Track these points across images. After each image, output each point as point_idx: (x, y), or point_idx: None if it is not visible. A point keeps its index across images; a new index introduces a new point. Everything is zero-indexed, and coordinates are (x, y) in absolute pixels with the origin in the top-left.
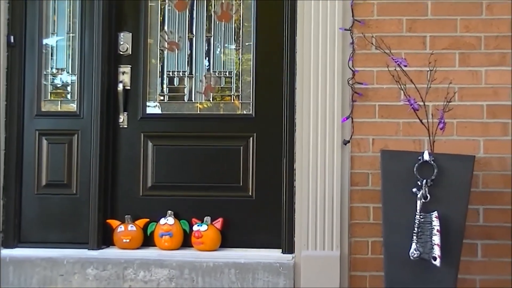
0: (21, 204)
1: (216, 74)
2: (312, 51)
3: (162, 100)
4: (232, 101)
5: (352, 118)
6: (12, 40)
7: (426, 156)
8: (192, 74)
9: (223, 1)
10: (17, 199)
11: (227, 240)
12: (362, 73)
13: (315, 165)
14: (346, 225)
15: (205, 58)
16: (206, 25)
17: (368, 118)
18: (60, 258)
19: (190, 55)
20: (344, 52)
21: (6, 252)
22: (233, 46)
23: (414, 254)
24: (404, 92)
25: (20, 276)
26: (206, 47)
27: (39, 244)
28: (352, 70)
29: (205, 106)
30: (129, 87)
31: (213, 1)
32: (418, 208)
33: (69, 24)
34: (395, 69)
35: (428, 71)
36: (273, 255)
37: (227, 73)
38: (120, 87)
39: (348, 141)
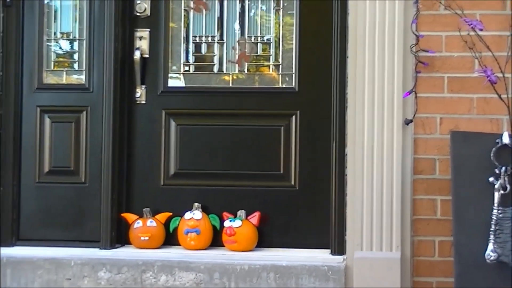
0: (19, 194)
1: (252, 39)
2: (367, 12)
3: (187, 70)
4: (271, 72)
5: (415, 93)
6: None
7: (506, 139)
8: (223, 40)
9: None
10: (15, 188)
11: (264, 239)
12: (428, 38)
13: (370, 149)
14: (408, 222)
15: (238, 21)
16: None
17: (435, 92)
18: (66, 259)
19: (221, 17)
20: (406, 13)
21: (3, 251)
22: (272, 6)
23: (491, 256)
24: (479, 62)
25: (20, 280)
26: (240, 8)
27: (41, 242)
28: (416, 35)
29: (239, 78)
30: (147, 55)
31: None
32: (495, 201)
33: None
34: (468, 34)
35: (508, 36)
36: (320, 256)
37: (265, 39)
38: (137, 55)
39: (411, 121)
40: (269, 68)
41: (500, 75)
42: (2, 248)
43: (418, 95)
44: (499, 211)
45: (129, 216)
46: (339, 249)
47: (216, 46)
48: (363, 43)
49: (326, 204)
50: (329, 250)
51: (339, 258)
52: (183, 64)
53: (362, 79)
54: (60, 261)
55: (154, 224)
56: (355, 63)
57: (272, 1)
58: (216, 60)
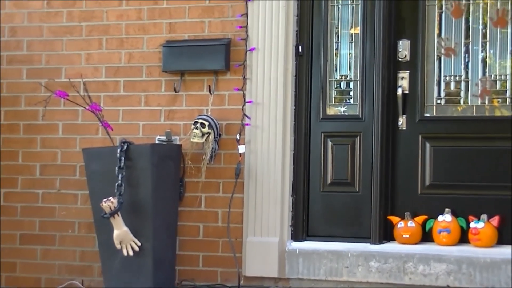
0: (308, 200)
1: (491, 78)
2: None
3: (438, 103)
4: (507, 103)
5: None
6: (300, 50)
7: None
8: (468, 78)
9: (499, 8)
10: (305, 196)
11: (503, 238)
12: None
13: None
14: None
15: (481, 63)
16: (481, 31)
17: None
18: (344, 251)
19: (466, 60)
20: None
21: (296, 244)
22: (509, 52)
23: None
24: None
25: (309, 267)
26: (482, 53)
27: (324, 238)
28: None
29: (480, 108)
30: (407, 91)
31: (488, 7)
32: None
33: (351, 34)
34: None
35: None
36: None
37: (502, 77)
38: (399, 91)
39: None
40: (505, 100)
41: None
42: (295, 242)
43: None
44: None
45: (394, 218)
46: None
47: (462, 83)
48: None
49: None
50: None
51: None
52: (436, 98)
53: None
54: (340, 253)
55: (413, 224)
56: None
57: (510, 49)
58: (462, 94)
